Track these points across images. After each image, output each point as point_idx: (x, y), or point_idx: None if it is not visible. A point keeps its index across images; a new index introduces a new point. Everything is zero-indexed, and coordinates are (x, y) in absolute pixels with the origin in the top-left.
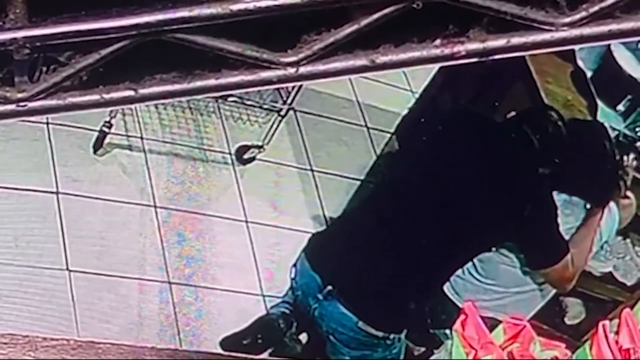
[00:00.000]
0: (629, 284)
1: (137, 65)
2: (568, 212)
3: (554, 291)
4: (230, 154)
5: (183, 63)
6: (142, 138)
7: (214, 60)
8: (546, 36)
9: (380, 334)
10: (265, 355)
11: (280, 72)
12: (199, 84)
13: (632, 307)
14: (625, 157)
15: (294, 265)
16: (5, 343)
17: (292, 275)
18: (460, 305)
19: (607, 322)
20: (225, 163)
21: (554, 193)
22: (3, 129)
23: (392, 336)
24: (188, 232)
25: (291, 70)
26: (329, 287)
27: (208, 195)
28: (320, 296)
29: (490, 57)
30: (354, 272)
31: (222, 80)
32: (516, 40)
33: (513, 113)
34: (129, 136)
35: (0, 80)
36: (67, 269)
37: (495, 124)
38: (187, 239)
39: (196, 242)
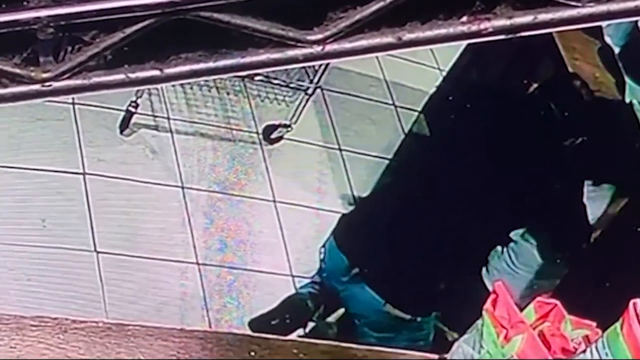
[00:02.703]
0: None
1: (162, 45)
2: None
3: None
4: (257, 133)
5: (208, 42)
6: (168, 118)
7: (239, 38)
8: (573, 12)
9: (407, 316)
10: (294, 336)
11: (306, 51)
12: (224, 62)
13: None
14: None
15: (323, 246)
16: (34, 325)
17: (322, 257)
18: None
19: (638, 300)
20: (252, 142)
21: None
22: (29, 109)
23: (419, 319)
24: (215, 212)
25: (317, 49)
26: (356, 269)
27: (235, 175)
28: (346, 278)
29: (517, 34)
30: (381, 253)
31: (248, 59)
32: (543, 16)
33: (535, 85)
34: (155, 116)
35: (24, 60)
36: (95, 250)
37: (520, 98)
38: (215, 219)
39: (224, 223)
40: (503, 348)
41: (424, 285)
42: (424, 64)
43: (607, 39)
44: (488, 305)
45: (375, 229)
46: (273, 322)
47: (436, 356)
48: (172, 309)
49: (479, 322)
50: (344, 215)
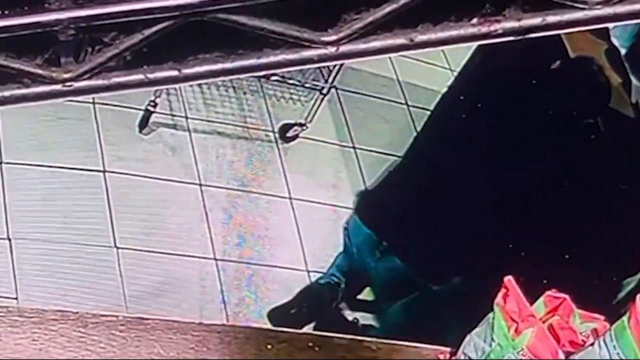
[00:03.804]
0: None
1: (180, 46)
2: None
3: None
4: (273, 132)
5: (225, 43)
6: (186, 117)
7: (255, 40)
8: (580, 14)
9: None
10: (311, 326)
11: (321, 51)
12: (241, 63)
13: None
14: None
15: (346, 224)
16: (55, 319)
17: (345, 234)
18: None
19: None
20: (269, 141)
21: None
22: (50, 108)
23: None
24: (233, 209)
25: (332, 49)
26: (385, 243)
27: (252, 173)
28: (377, 252)
29: (526, 36)
30: (409, 227)
31: (264, 60)
32: (551, 18)
33: (557, 63)
34: (173, 115)
35: (46, 61)
36: (115, 245)
37: (531, 98)
38: (232, 216)
39: (241, 219)
40: (514, 341)
41: (453, 258)
42: (435, 65)
43: (614, 40)
44: (499, 299)
45: (401, 203)
46: (291, 312)
47: (448, 349)
48: (191, 303)
49: (490, 315)
50: (363, 193)
